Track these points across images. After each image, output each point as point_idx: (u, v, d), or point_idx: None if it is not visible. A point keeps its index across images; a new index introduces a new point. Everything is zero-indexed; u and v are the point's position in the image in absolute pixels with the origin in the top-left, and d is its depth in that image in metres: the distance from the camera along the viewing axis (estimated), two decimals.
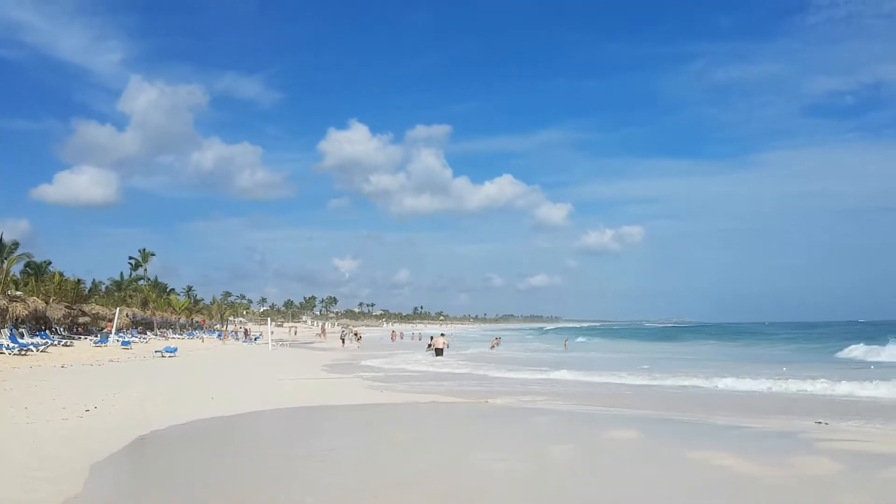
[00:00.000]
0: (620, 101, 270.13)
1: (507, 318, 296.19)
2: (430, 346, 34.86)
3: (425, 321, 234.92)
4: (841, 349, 42.40)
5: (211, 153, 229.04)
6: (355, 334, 68.66)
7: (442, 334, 37.65)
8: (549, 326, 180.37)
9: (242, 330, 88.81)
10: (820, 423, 12.62)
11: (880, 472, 8.31)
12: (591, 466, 9.27)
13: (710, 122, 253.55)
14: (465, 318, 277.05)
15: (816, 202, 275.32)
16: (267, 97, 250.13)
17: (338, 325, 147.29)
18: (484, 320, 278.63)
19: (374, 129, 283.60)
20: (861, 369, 26.50)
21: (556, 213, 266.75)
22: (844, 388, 18.76)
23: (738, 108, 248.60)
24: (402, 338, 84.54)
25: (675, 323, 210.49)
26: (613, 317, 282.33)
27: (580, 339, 76.76)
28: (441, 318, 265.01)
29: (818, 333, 76.55)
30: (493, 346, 49.66)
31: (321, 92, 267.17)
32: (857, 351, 40.64)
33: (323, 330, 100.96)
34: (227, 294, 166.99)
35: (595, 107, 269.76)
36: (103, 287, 74.43)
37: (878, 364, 31.64)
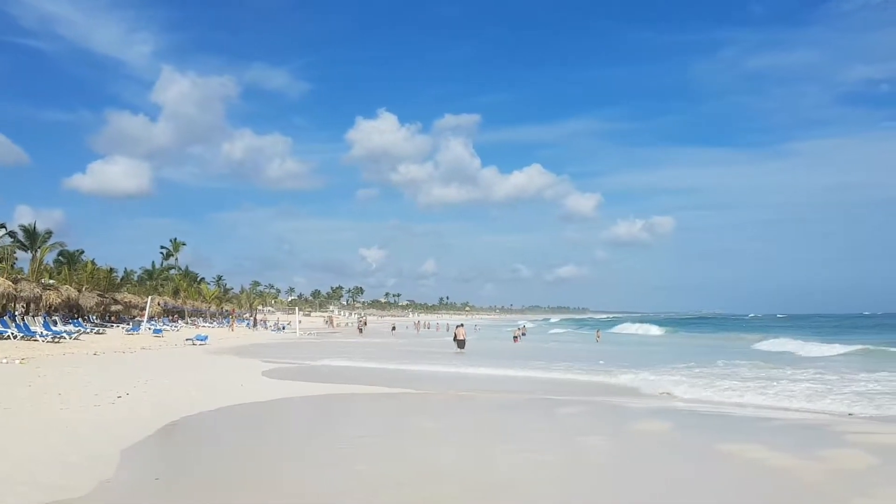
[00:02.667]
0: (651, 89, 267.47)
1: (533, 309, 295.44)
2: (455, 336, 34.82)
3: (451, 312, 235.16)
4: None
5: (241, 144, 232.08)
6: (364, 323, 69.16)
7: (461, 325, 37.40)
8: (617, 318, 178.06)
9: (262, 319, 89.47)
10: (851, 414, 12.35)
11: None
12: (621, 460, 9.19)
13: (743, 110, 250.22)
14: (491, 309, 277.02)
15: (852, 193, 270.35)
16: (295, 88, 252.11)
17: (353, 314, 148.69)
18: (510, 311, 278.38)
19: (403, 119, 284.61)
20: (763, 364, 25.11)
21: (585, 203, 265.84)
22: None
23: (771, 96, 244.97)
24: (428, 328, 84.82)
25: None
26: (643, 308, 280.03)
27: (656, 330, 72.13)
28: (467, 308, 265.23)
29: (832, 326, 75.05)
30: (516, 339, 48.28)
31: (349, 82, 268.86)
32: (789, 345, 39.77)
33: (330, 320, 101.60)
34: (256, 283, 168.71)
35: (625, 96, 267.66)
36: (135, 276, 75.69)
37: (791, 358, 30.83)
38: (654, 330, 73.36)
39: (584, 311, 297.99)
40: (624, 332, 73.57)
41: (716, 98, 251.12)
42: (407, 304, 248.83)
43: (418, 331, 78.01)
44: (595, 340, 50.64)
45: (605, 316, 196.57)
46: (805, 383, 17.72)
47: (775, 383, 17.65)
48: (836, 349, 34.24)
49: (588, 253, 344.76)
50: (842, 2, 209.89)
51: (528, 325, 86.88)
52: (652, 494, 7.25)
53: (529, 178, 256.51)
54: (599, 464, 8.75)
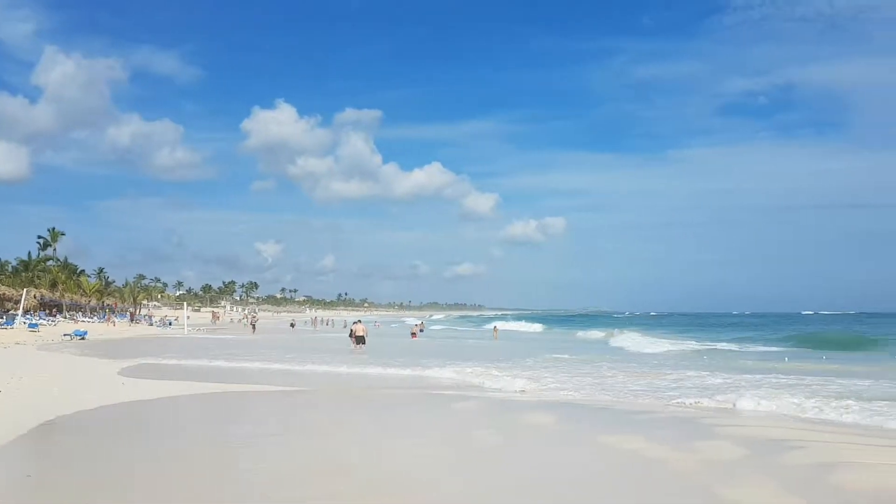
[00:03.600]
0: (548, 94, 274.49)
1: (431, 306, 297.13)
2: (351, 332, 34.47)
3: (350, 308, 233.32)
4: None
5: (128, 129, 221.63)
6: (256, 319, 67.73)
7: (359, 321, 37.09)
8: (492, 314, 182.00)
9: (148, 314, 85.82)
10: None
11: (781, 455, 8.74)
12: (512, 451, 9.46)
13: (631, 117, 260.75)
14: (389, 306, 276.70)
15: (731, 199, 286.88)
16: (187, 73, 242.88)
17: (247, 310, 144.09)
18: (409, 308, 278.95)
19: (302, 111, 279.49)
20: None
21: (483, 202, 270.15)
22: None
23: (657, 105, 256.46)
24: (326, 324, 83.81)
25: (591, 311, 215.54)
26: (536, 305, 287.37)
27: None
28: (366, 305, 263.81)
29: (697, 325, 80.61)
30: (414, 335, 48.46)
31: (245, 70, 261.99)
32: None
33: (214, 315, 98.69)
34: (141, 277, 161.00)
35: (523, 99, 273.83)
36: (10, 267, 70.95)
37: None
38: (536, 327, 75.64)
39: (480, 308, 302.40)
40: (511, 328, 74.53)
41: (606, 105, 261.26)
42: (304, 300, 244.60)
43: (316, 327, 76.99)
44: (493, 338, 51.71)
45: (494, 313, 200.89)
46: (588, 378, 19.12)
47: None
48: (666, 346, 37.88)
49: (485, 251, 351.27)
50: (724, 16, 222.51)
51: (415, 321, 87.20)
52: (538, 482, 7.50)
53: (430, 176, 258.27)
54: (491, 455, 8.97)
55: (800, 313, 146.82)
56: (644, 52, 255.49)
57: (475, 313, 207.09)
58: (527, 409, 13.01)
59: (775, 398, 14.75)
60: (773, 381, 18.82)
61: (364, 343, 32.96)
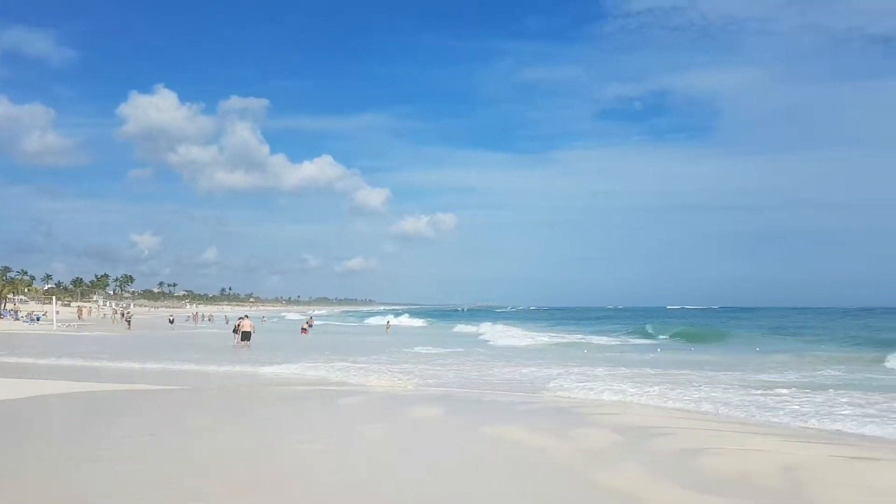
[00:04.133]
0: (439, 91, 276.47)
1: (321, 301, 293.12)
2: (236, 329, 33.46)
3: (234, 303, 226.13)
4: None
5: None
6: (122, 315, 64.49)
7: (246, 316, 35.98)
8: (384, 308, 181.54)
9: (13, 309, 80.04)
10: None
11: (651, 441, 9.26)
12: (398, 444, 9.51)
13: (517, 118, 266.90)
14: (277, 301, 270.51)
15: (608, 199, 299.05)
16: (60, 55, 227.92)
17: (120, 305, 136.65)
18: (297, 303, 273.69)
19: (184, 97, 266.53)
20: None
21: (374, 197, 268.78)
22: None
23: (541, 106, 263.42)
24: (209, 320, 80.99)
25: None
26: (427, 301, 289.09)
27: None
28: (251, 300, 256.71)
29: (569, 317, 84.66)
30: (304, 330, 47.56)
31: (123, 54, 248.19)
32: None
33: (79, 311, 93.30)
34: (7, 269, 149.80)
35: (415, 95, 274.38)
36: None
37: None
38: (420, 322, 76.13)
39: (371, 302, 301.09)
40: (395, 323, 74.17)
41: (494, 105, 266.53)
42: (184, 295, 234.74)
43: (196, 323, 74.12)
44: (385, 332, 51.69)
45: (384, 308, 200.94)
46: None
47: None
48: (533, 339, 39.86)
49: (376, 246, 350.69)
50: (604, 23, 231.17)
51: (301, 317, 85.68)
52: (421, 474, 7.59)
53: (320, 168, 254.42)
54: (379, 449, 8.98)
55: (665, 307, 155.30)
56: (530, 55, 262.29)
57: (365, 308, 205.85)
58: (412, 403, 13.12)
59: (645, 388, 15.61)
60: (643, 371, 19.92)
61: (249, 340, 32.10)
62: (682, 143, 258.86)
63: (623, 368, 20.80)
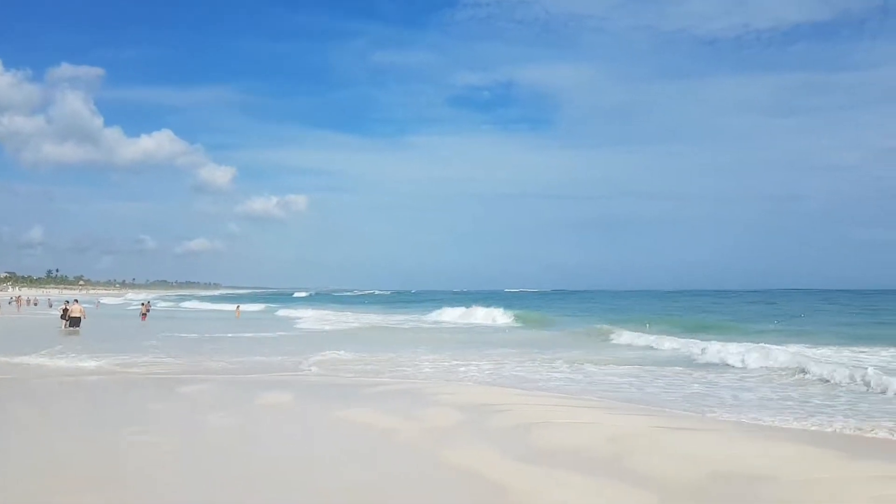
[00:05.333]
0: (291, 69, 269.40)
1: (160, 284, 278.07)
2: (63, 314, 31.10)
3: (62, 286, 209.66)
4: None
5: None
6: None
7: (76, 300, 33.49)
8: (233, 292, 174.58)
9: None
10: None
11: (491, 418, 9.76)
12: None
13: (372, 101, 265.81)
14: (110, 284, 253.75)
15: (457, 186, 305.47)
16: None
17: None
18: (133, 286, 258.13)
19: (8, 63, 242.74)
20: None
21: (219, 175, 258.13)
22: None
23: (395, 91, 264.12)
24: (35, 304, 74.69)
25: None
26: (276, 284, 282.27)
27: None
28: (81, 282, 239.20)
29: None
30: (144, 316, 44.70)
31: None
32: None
33: None
34: None
35: (265, 71, 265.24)
36: None
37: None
38: (257, 307, 73.23)
39: (215, 286, 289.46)
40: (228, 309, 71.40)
41: (347, 86, 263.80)
42: (6, 277, 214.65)
43: (19, 308, 68.09)
44: (235, 317, 49.96)
45: (229, 292, 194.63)
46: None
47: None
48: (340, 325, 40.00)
49: (221, 227, 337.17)
50: (455, 11, 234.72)
51: (138, 300, 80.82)
52: (273, 462, 7.57)
53: (159, 143, 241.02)
54: (225, 438, 8.85)
55: (504, 290, 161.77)
56: (382, 38, 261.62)
57: (206, 292, 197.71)
58: (262, 389, 12.94)
59: (487, 367, 16.35)
60: (483, 352, 20.82)
61: (78, 326, 30.04)
62: (526, 134, 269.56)
63: (465, 349, 21.54)
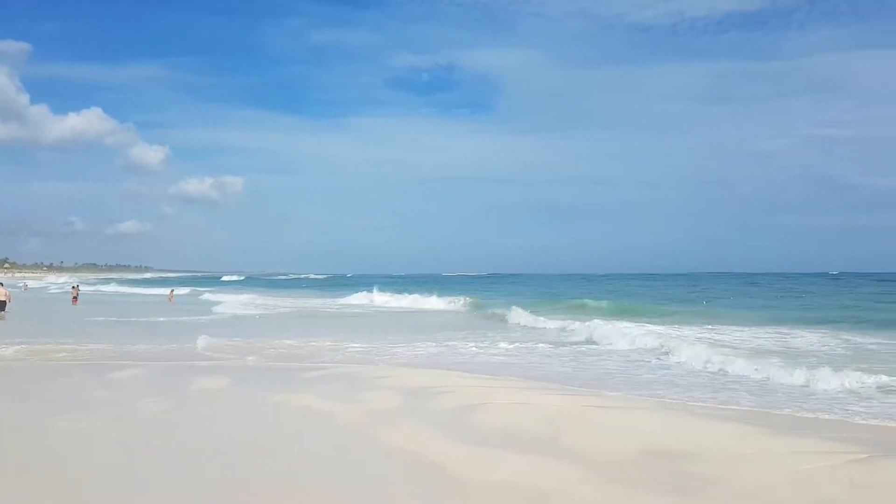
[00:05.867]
0: (226, 46, 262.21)
1: (89, 267, 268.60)
2: None
3: None
4: None
5: None
6: None
7: (0, 283, 32.18)
8: (163, 275, 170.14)
9: None
10: None
11: (432, 400, 9.90)
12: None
13: (311, 81, 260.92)
14: (37, 267, 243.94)
15: (397, 168, 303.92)
16: None
17: None
18: (62, 269, 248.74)
19: None
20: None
21: (151, 155, 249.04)
22: None
23: (334, 71, 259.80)
24: None
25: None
26: (213, 268, 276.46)
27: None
28: (6, 265, 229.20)
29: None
30: (75, 299, 43.26)
31: None
32: None
33: None
34: None
35: (198, 48, 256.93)
36: None
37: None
38: (184, 290, 71.45)
39: (147, 269, 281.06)
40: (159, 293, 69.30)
41: (285, 65, 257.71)
42: None
43: None
44: (168, 301, 48.68)
45: (159, 275, 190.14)
46: None
47: None
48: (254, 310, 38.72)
49: (153, 208, 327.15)
50: None
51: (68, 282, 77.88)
52: (207, 448, 7.54)
53: (87, 121, 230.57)
54: (159, 424, 8.74)
55: (441, 274, 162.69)
56: (322, 17, 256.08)
57: (137, 276, 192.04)
58: (197, 374, 12.77)
59: (429, 350, 16.53)
60: (427, 336, 20.97)
61: (3, 310, 28.90)
62: (467, 118, 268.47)
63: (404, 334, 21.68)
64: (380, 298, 47.88)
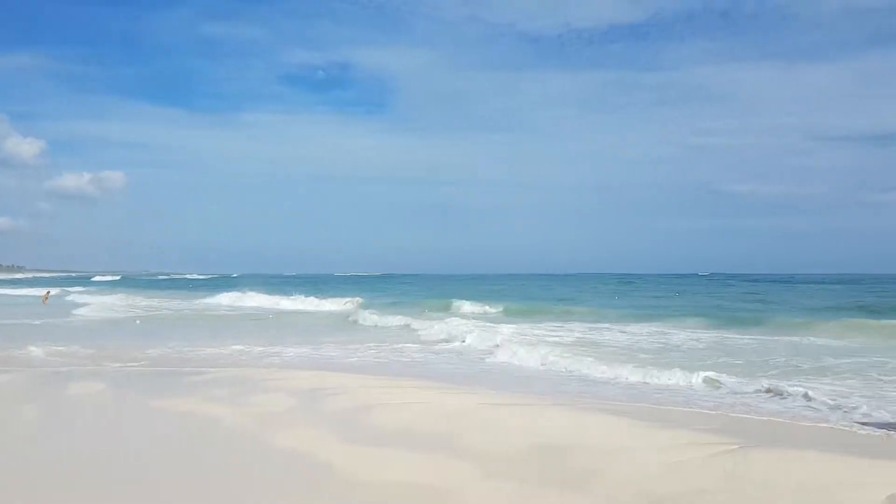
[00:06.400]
0: (110, 37, 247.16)
1: None
2: None
3: None
4: None
5: None
6: None
7: None
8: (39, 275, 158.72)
9: None
10: None
11: (325, 402, 9.78)
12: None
13: (200, 74, 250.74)
14: None
15: (289, 167, 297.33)
16: None
17: None
18: None
19: None
20: None
21: (25, 147, 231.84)
22: None
23: (226, 65, 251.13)
24: None
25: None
26: (84, 267, 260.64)
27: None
28: None
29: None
30: None
31: None
32: None
33: None
34: None
35: (76, 37, 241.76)
36: None
37: None
38: (55, 290, 67.63)
39: (19, 269, 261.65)
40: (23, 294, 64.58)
41: (171, 57, 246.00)
42: None
43: None
44: (42, 303, 45.41)
45: (32, 275, 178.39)
46: None
47: None
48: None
49: (28, 204, 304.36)
50: None
51: None
52: (81, 457, 7.13)
53: None
54: (28, 433, 8.19)
55: (334, 274, 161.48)
56: (212, 9, 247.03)
57: (8, 276, 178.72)
58: (69, 380, 12.06)
59: (308, 352, 16.39)
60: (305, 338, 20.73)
61: None
62: (362, 117, 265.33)
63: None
64: (259, 300, 45.53)
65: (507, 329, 22.13)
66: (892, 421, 9.41)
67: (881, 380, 12.83)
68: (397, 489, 6.07)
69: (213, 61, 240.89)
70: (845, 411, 9.98)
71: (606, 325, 24.48)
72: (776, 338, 20.19)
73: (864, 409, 10.13)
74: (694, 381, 12.53)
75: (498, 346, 17.41)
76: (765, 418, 9.75)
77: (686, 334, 21.49)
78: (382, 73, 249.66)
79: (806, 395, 10.91)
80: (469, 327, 21.86)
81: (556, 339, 20.30)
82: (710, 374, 12.79)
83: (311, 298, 43.45)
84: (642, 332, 21.91)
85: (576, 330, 22.90)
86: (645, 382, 12.83)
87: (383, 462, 6.81)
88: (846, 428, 9.09)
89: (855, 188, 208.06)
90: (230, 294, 48.84)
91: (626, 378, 13.23)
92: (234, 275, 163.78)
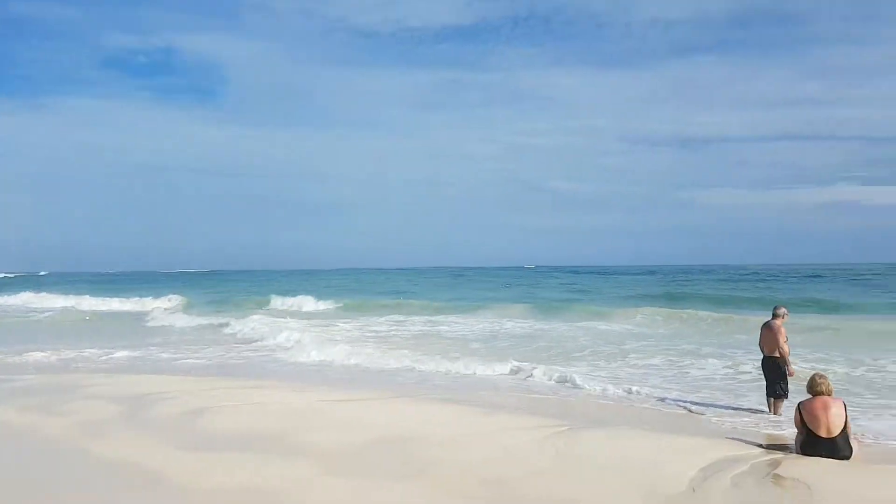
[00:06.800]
0: None
1: None
2: None
3: None
4: None
5: None
6: None
7: None
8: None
9: None
10: None
11: (153, 407, 9.24)
12: None
13: (5, 56, 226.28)
14: None
15: (107, 155, 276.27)
16: None
17: None
18: None
19: None
20: None
21: None
22: None
23: (34, 47, 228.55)
24: None
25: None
26: None
27: None
28: None
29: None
30: None
31: None
32: None
33: None
34: None
35: None
36: None
37: None
38: None
39: None
40: None
41: None
42: None
43: None
44: None
45: None
46: None
47: None
48: None
49: None
50: None
51: None
52: None
53: None
54: None
55: (159, 272, 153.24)
56: None
57: None
58: None
59: (128, 355, 15.46)
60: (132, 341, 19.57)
61: None
62: (190, 105, 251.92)
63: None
64: (72, 300, 42.15)
65: (343, 325, 22.12)
66: (688, 399, 10.62)
67: (678, 361, 14.46)
68: (235, 495, 5.87)
69: (22, 42, 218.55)
70: (650, 391, 11.09)
71: (442, 317, 25.20)
72: (587, 324, 22.26)
73: (667, 388, 11.45)
74: (521, 368, 13.32)
75: (304, 343, 17.73)
76: (591, 401, 10.53)
77: (513, 324, 22.68)
78: (211, 62, 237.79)
79: (614, 378, 12.28)
80: (298, 325, 21.78)
81: (394, 332, 20.60)
82: (528, 363, 13.77)
83: (135, 298, 41.00)
84: (476, 324, 22.81)
85: (416, 323, 23.38)
86: (474, 374, 13.48)
87: (219, 467, 6.55)
88: (654, 408, 10.07)
89: (663, 187, 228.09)
90: (38, 294, 45.30)
91: (460, 370, 13.73)
92: (42, 273, 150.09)
